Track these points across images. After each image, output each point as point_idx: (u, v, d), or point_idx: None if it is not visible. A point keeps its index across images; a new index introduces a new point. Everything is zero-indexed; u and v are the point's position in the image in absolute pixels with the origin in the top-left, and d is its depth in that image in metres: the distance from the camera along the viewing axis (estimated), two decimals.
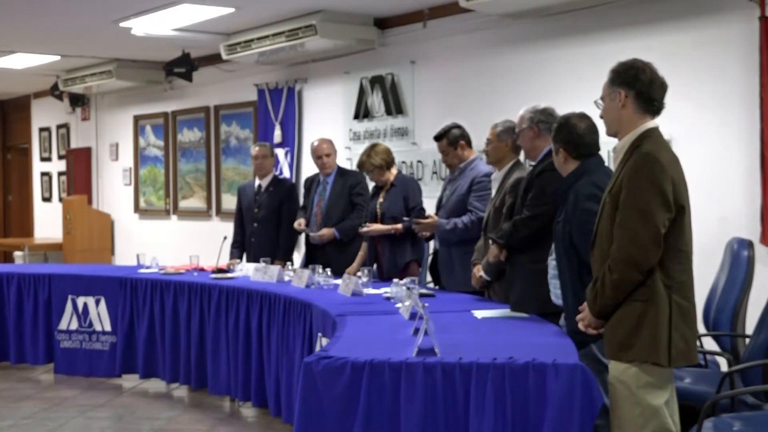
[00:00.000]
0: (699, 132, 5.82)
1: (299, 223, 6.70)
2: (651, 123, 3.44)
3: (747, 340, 4.12)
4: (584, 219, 3.74)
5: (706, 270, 4.53)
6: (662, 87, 3.47)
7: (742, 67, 5.61)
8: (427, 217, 5.70)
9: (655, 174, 3.28)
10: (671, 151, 3.44)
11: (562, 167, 4.07)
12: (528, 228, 4.52)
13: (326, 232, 6.51)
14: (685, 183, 3.40)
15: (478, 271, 5.00)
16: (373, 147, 6.24)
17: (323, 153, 6.72)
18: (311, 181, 6.92)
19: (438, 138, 5.68)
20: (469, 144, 5.65)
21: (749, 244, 4.54)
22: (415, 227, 5.69)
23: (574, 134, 4.00)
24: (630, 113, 3.44)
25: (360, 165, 6.29)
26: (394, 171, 6.27)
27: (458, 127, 5.66)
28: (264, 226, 7.10)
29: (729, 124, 5.72)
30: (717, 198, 5.69)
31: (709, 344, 4.71)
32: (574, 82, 6.43)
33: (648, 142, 3.38)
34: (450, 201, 5.61)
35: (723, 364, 4.55)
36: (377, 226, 6.12)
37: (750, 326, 4.24)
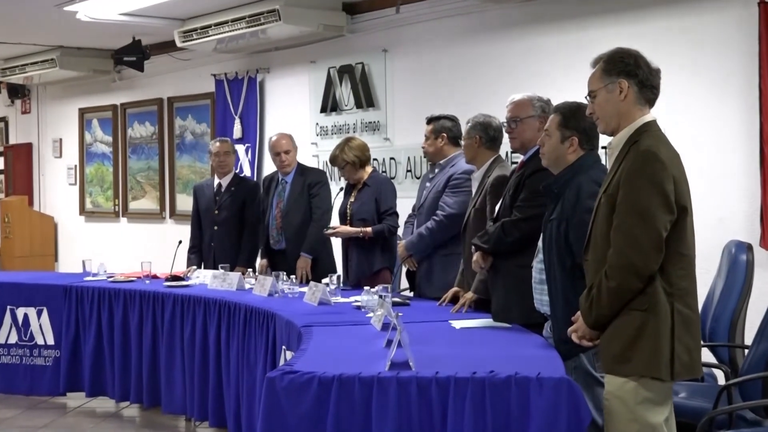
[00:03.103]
0: (694, 127, 5.87)
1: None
2: (648, 116, 3.45)
3: (746, 351, 4.16)
4: (586, 219, 3.73)
5: (702, 275, 4.55)
6: (658, 74, 3.49)
7: (740, 57, 5.66)
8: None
9: (655, 172, 3.27)
10: (671, 146, 3.43)
11: (563, 158, 3.97)
12: (519, 231, 4.46)
13: (302, 264, 6.50)
14: (686, 181, 3.39)
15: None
16: (347, 141, 6.27)
17: (282, 149, 6.70)
18: (270, 181, 6.91)
19: (428, 121, 5.73)
20: (452, 141, 5.65)
21: (748, 248, 4.58)
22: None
23: (589, 123, 3.88)
24: (630, 104, 3.44)
25: (332, 159, 6.31)
26: (368, 169, 6.28)
27: (452, 119, 5.69)
28: (225, 229, 7.07)
29: (726, 119, 5.77)
30: (713, 198, 5.74)
31: (706, 356, 4.73)
32: (559, 72, 6.47)
33: (646, 137, 3.37)
34: (428, 200, 5.65)
35: (720, 377, 4.59)
36: (345, 228, 6.13)
37: (749, 336, 4.28)
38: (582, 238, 3.67)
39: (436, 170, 5.71)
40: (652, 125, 3.44)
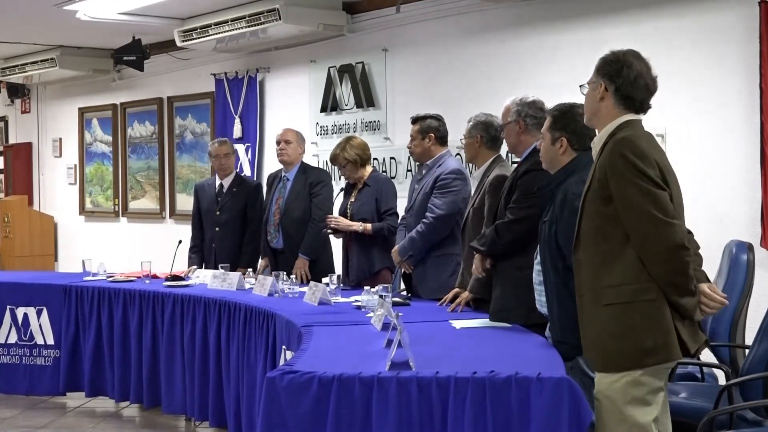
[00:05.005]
0: (694, 126, 5.88)
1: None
2: (630, 116, 3.47)
3: (746, 351, 4.16)
4: (573, 221, 3.74)
5: None
6: (647, 88, 3.49)
7: (740, 56, 5.66)
8: None
9: (633, 158, 3.28)
10: (652, 138, 3.46)
11: (556, 159, 4.01)
12: (511, 233, 4.50)
13: (299, 264, 6.51)
14: (673, 173, 3.41)
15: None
16: (348, 140, 6.29)
17: (282, 138, 6.73)
18: (273, 178, 6.92)
19: (414, 121, 5.75)
20: (440, 141, 5.69)
21: (749, 247, 4.58)
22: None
23: (580, 124, 3.91)
24: (608, 107, 3.49)
25: (333, 158, 6.32)
26: (368, 169, 6.29)
27: (438, 119, 5.72)
28: (227, 230, 7.06)
29: (726, 118, 5.77)
30: (713, 197, 5.75)
31: (707, 356, 4.74)
32: (559, 72, 6.46)
33: (624, 131, 3.41)
34: (417, 201, 5.67)
35: (721, 377, 4.59)
36: (345, 221, 6.13)
37: (750, 336, 4.28)
38: (570, 240, 3.68)
39: (424, 171, 5.73)
40: (633, 122, 3.47)
